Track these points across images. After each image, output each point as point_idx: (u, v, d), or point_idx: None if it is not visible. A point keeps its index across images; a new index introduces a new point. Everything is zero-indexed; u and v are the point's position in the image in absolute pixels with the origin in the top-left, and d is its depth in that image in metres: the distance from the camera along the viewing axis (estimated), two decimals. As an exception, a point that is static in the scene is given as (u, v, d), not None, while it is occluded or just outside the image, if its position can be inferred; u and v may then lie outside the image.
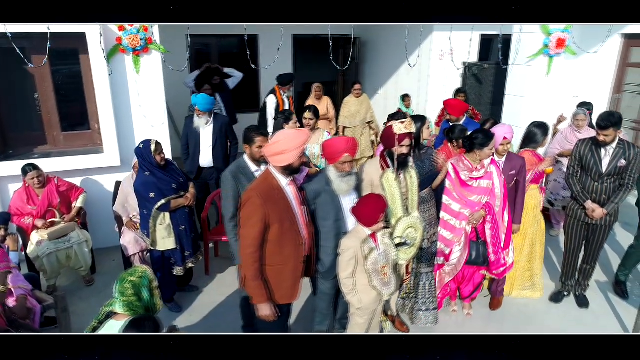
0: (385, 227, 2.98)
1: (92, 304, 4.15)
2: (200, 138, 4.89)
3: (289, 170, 2.71)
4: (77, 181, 4.71)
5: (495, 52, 9.07)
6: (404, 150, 3.16)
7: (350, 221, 3.04)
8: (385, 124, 4.85)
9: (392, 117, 4.66)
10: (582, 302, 4.12)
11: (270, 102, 6.22)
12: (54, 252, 4.11)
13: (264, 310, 2.70)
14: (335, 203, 3.00)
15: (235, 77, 6.87)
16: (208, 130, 4.87)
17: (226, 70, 6.81)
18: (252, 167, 3.27)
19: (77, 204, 4.45)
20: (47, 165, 4.40)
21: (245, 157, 3.28)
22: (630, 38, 6.86)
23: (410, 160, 3.30)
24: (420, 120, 3.68)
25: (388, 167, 3.24)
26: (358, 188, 3.19)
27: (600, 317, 4.00)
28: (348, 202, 3.04)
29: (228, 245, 4.74)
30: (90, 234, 4.44)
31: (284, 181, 2.71)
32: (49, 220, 4.21)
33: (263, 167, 3.33)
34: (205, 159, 4.93)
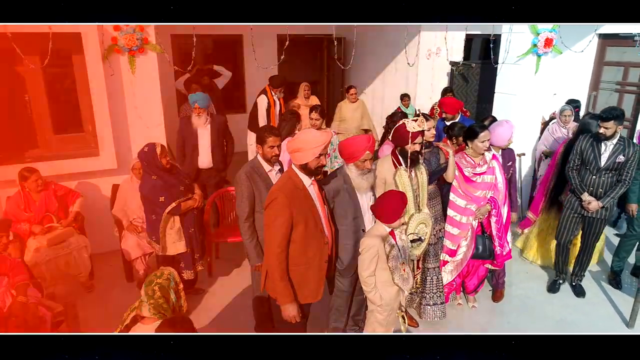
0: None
1: (94, 310, 4.06)
2: (198, 139, 4.83)
3: (307, 170, 2.72)
4: (71, 185, 4.58)
5: (475, 52, 9.31)
6: (417, 147, 3.23)
7: (367, 218, 3.09)
8: (384, 127, 4.94)
9: (391, 117, 4.73)
10: (579, 292, 4.29)
11: (262, 102, 6.21)
12: (53, 259, 3.99)
13: (290, 311, 2.69)
14: (353, 201, 3.03)
15: (224, 75, 6.84)
16: (206, 130, 4.81)
17: (216, 67, 6.77)
18: (266, 167, 3.26)
19: (75, 208, 4.33)
20: (40, 169, 4.26)
21: (259, 157, 3.27)
22: (605, 37, 7.17)
23: (420, 157, 3.37)
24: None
25: (400, 165, 3.30)
26: (372, 186, 3.24)
27: (597, 305, 4.18)
28: (365, 199, 3.09)
29: (228, 246, 4.80)
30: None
31: (307, 181, 2.71)
32: (46, 226, 4.09)
33: (276, 167, 3.34)
34: (205, 160, 4.87)
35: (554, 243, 4.50)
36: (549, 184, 4.55)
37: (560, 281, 4.38)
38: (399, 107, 6.89)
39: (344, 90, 7.43)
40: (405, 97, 6.92)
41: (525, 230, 4.93)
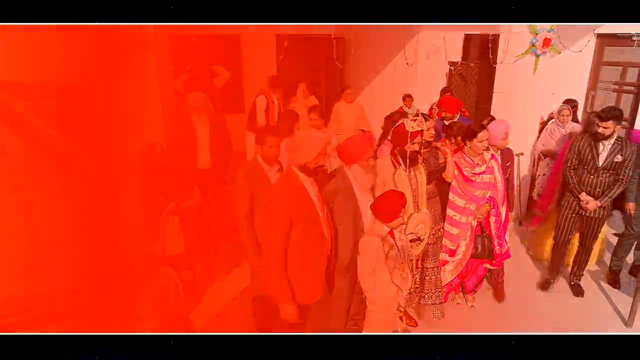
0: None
1: (94, 310, 4.05)
2: (197, 139, 4.82)
3: (306, 170, 2.71)
4: (70, 185, 4.57)
5: (474, 51, 9.31)
6: (416, 147, 3.24)
7: (367, 218, 3.10)
8: (382, 127, 4.95)
9: (390, 117, 4.73)
10: (578, 291, 4.30)
11: (260, 102, 6.21)
12: (52, 259, 3.99)
13: (289, 311, 2.70)
14: (352, 201, 3.04)
15: (223, 75, 6.82)
16: (205, 130, 4.81)
17: (214, 67, 6.75)
18: (265, 166, 3.26)
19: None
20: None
21: (258, 157, 3.27)
22: (604, 37, 7.19)
23: (419, 157, 3.38)
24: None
25: (399, 164, 3.31)
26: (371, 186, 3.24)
27: (596, 304, 4.19)
28: (365, 199, 3.09)
29: (228, 246, 4.79)
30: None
31: (306, 181, 2.72)
32: (45, 226, 4.08)
33: (275, 167, 3.34)
34: (203, 160, 4.86)
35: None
36: (558, 182, 4.55)
37: (552, 280, 4.39)
38: (401, 107, 6.87)
39: (341, 91, 7.42)
40: (407, 97, 6.89)
41: (531, 228, 4.97)
